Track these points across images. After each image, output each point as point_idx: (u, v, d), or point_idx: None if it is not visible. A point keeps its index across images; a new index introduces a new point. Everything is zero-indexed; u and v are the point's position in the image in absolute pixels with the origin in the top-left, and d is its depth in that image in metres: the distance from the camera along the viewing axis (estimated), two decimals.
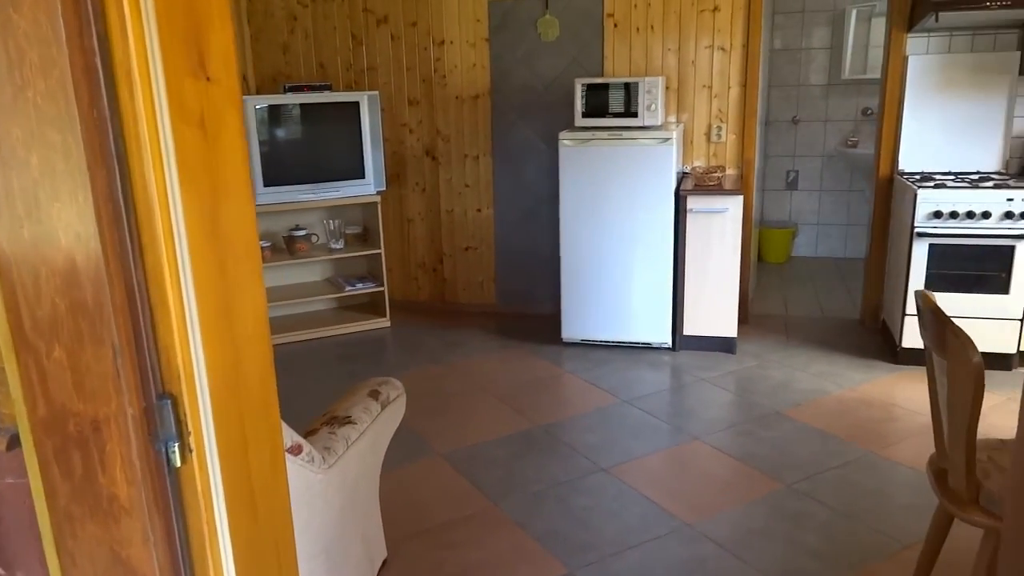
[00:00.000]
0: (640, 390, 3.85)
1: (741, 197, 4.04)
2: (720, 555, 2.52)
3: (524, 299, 5.05)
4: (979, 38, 4.15)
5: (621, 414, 3.60)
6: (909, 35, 4.22)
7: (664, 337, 4.30)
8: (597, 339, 4.41)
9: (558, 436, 3.39)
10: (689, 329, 4.26)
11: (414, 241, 5.16)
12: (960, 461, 1.85)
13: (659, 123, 4.20)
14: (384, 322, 4.92)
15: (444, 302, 5.20)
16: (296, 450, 1.72)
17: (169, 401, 1.00)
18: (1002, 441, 2.09)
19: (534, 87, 4.72)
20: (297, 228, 4.77)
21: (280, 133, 4.55)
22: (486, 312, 5.12)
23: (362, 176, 4.68)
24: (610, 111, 4.22)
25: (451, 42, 4.77)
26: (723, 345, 4.27)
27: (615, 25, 4.52)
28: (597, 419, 3.55)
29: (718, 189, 4.09)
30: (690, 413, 3.58)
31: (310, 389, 3.98)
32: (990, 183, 3.85)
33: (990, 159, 4.18)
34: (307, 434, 1.95)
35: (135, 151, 0.93)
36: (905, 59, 4.22)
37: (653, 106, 4.16)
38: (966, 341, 1.74)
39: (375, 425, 2.15)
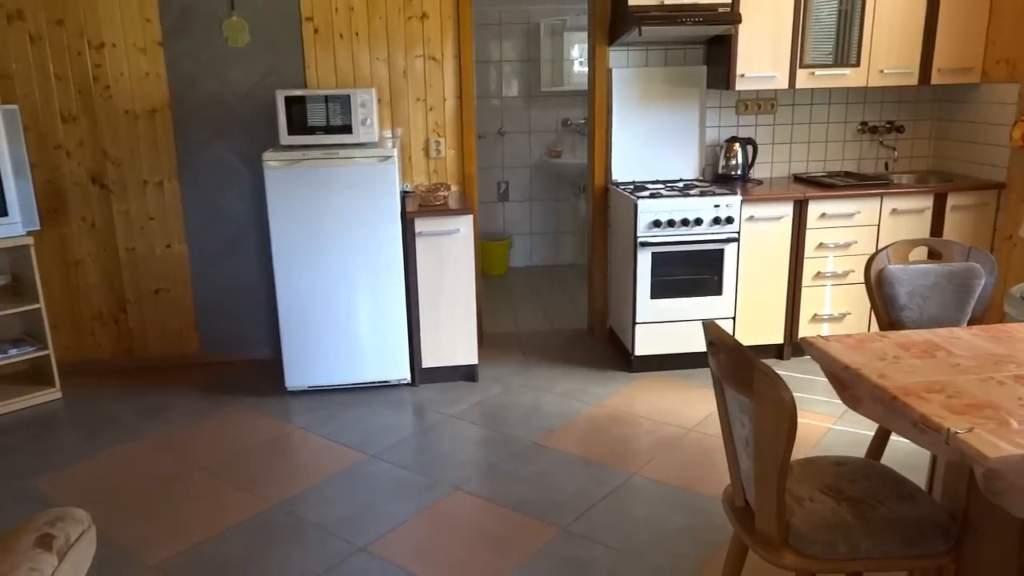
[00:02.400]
0: (386, 439, 3.43)
1: (471, 216, 3.80)
2: None
3: (235, 344, 4.36)
4: (671, 52, 4.36)
5: (370, 473, 3.15)
6: (611, 48, 4.30)
7: (402, 372, 3.93)
8: (328, 384, 3.91)
9: (301, 515, 2.85)
10: (428, 361, 3.93)
11: (86, 289, 4.19)
12: (771, 505, 1.73)
13: (375, 139, 3.82)
14: (53, 393, 3.92)
15: (133, 358, 4.30)
16: None
17: None
18: None
19: (226, 100, 4.06)
20: None
21: None
22: (189, 364, 4.33)
23: (3, 214, 3.67)
24: (320, 127, 3.75)
25: (113, 45, 3.93)
26: (465, 374, 4.01)
27: (315, 31, 4.03)
28: (343, 484, 3.07)
29: (445, 209, 3.81)
30: (446, 459, 3.25)
31: None
32: (696, 191, 4.03)
33: (689, 167, 4.42)
34: None
35: None
36: (609, 72, 4.29)
37: (368, 120, 3.77)
38: (776, 380, 1.60)
39: None
